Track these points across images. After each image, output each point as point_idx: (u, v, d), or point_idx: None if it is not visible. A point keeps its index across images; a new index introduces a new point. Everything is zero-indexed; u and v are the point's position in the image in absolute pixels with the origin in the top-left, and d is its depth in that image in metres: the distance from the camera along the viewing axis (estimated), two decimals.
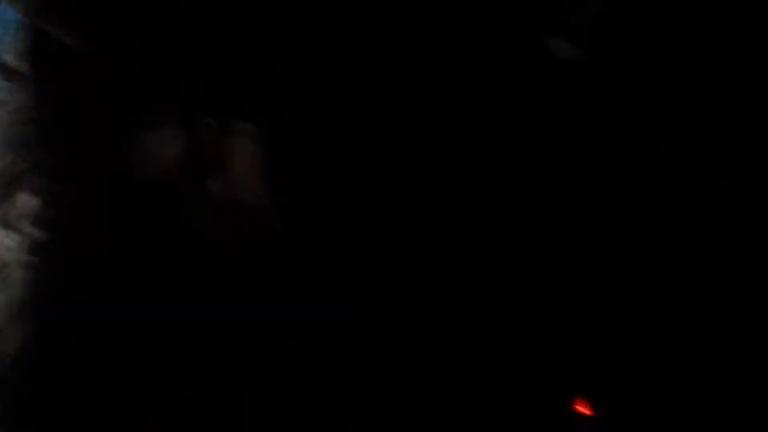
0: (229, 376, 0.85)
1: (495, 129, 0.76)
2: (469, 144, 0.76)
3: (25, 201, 1.46)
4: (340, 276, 0.78)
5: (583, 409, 0.86)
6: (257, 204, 0.75)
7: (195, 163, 0.79)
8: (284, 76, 0.73)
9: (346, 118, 0.72)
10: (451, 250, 0.78)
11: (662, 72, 0.78)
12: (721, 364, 0.82)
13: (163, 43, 0.77)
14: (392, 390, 0.83)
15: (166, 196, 0.89)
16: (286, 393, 0.81)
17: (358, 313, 0.79)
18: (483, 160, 0.77)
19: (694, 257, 0.81)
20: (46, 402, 0.92)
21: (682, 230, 0.81)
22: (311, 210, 0.74)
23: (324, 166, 0.72)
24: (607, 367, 0.86)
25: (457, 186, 0.76)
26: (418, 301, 0.79)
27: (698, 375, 0.83)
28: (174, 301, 0.92)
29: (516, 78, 0.76)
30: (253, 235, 0.83)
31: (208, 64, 0.76)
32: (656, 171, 0.79)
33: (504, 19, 0.76)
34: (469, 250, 0.79)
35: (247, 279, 0.87)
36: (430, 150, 0.74)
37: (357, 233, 0.75)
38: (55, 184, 0.97)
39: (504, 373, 0.84)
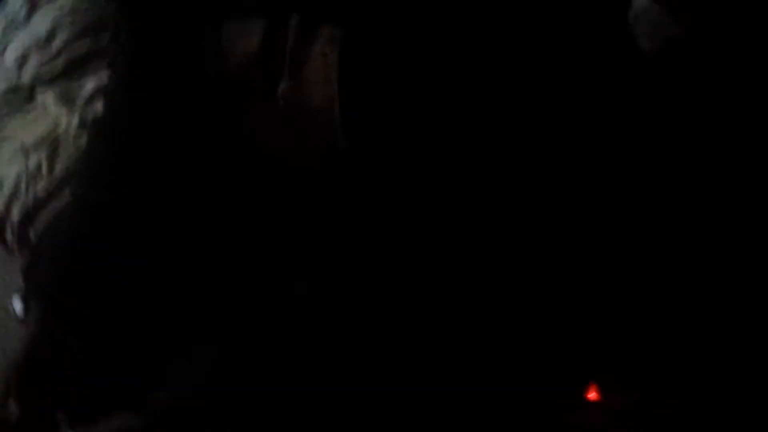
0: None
1: None
2: None
3: (88, 82, 1.50)
4: (404, 200, 0.77)
5: (594, 395, 0.87)
6: (327, 114, 0.75)
7: (271, 63, 0.79)
8: None
9: (428, 36, 0.70)
10: None
11: None
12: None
13: None
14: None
15: (236, 93, 0.90)
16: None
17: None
18: None
19: None
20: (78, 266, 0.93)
21: None
22: (379, 126, 0.74)
23: (400, 84, 0.71)
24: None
25: None
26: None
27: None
28: (225, 201, 0.94)
29: None
30: (319, 147, 0.83)
31: None
32: None
33: None
34: None
35: (306, 191, 0.87)
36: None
37: (427, 156, 0.74)
38: (119, 68, 0.98)
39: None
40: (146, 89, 0.96)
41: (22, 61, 1.64)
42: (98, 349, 0.95)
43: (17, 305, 1.57)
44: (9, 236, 1.42)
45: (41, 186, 1.35)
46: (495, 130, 0.72)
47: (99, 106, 1.48)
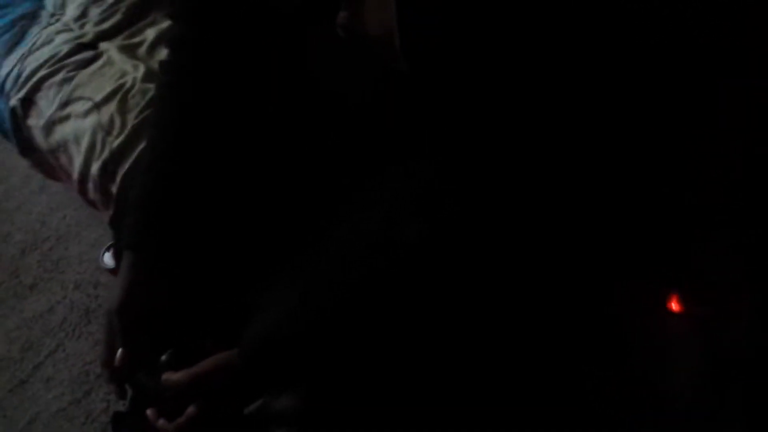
0: None
1: None
2: None
3: (149, 32, 1.52)
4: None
5: (676, 306, 0.85)
6: (386, 39, 0.72)
7: None
8: None
9: None
10: None
11: None
12: None
13: None
14: None
15: (298, 26, 0.89)
16: None
17: None
18: None
19: None
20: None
21: None
22: (440, 48, 0.71)
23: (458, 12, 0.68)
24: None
25: None
26: None
27: None
28: (292, 132, 0.95)
29: None
30: (373, 78, 0.81)
31: None
32: None
33: None
34: None
35: (367, 116, 0.86)
36: None
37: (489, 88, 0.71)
38: (180, 14, 0.98)
39: None
40: (211, 32, 0.95)
41: (81, 17, 1.66)
42: (188, 289, 0.98)
43: (107, 259, 1.63)
44: (91, 193, 1.45)
45: (116, 139, 1.36)
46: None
47: (161, 54, 1.49)
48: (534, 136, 0.72)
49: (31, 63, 1.59)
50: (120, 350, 0.91)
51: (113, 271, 1.59)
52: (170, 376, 0.85)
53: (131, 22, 1.59)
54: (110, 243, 1.64)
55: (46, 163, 1.67)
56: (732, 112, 0.76)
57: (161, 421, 0.84)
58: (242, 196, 0.99)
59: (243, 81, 0.97)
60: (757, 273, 0.84)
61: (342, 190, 0.91)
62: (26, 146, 1.67)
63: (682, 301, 0.85)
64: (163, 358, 0.89)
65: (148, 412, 0.86)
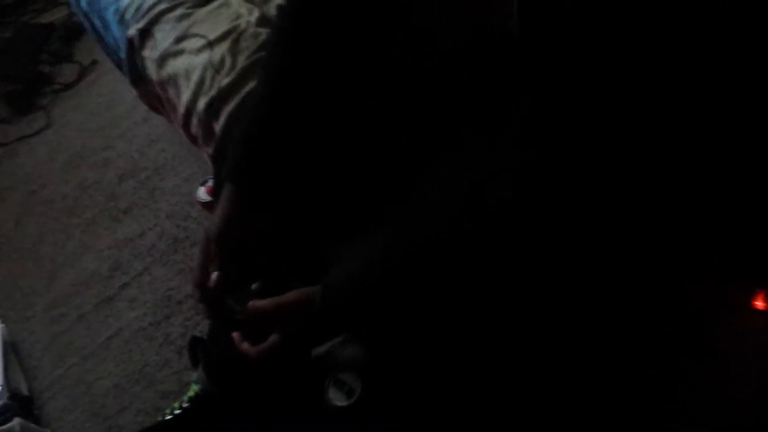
0: None
1: None
2: None
3: None
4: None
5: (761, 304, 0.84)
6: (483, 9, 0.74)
7: None
8: None
9: None
10: None
11: None
12: None
13: None
14: None
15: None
16: None
17: None
18: None
19: None
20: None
21: None
22: (554, 14, 0.71)
23: None
24: None
25: None
26: None
27: None
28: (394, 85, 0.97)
29: None
30: (493, 34, 0.82)
31: None
32: None
33: None
34: None
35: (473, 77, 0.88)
36: None
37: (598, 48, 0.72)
38: None
39: None
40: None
41: None
42: (281, 227, 1.02)
43: (201, 194, 1.70)
44: (194, 128, 1.51)
45: (225, 78, 1.41)
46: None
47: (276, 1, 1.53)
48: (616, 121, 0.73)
49: None
50: (215, 273, 0.95)
51: (207, 205, 1.66)
52: (256, 303, 0.89)
53: None
54: (206, 178, 1.70)
55: (153, 95, 1.74)
56: None
57: (245, 345, 0.89)
58: (334, 145, 1.02)
59: (347, 35, 0.99)
60: None
61: (429, 140, 0.93)
62: (137, 76, 1.74)
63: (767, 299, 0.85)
64: (253, 286, 0.94)
65: (234, 335, 0.91)
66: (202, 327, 1.74)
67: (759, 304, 0.85)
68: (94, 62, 2.76)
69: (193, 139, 1.58)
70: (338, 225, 1.00)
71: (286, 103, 0.99)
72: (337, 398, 0.92)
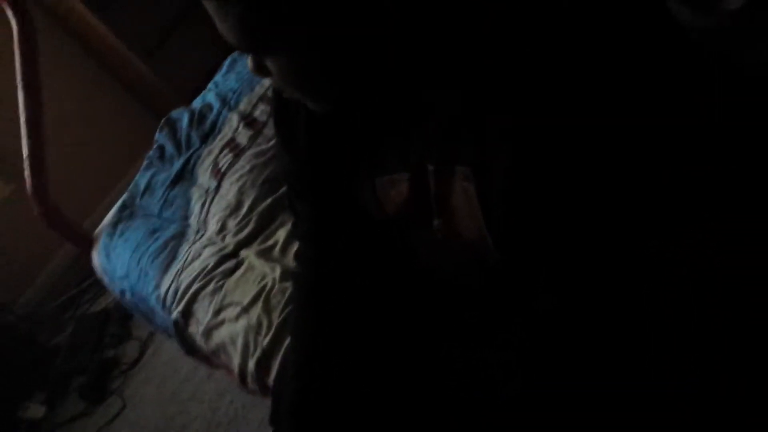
0: None
1: None
2: None
3: (279, 234, 1.71)
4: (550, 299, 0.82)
5: None
6: (479, 241, 0.82)
7: (422, 205, 0.88)
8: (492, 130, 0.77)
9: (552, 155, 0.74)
10: None
11: None
12: None
13: (393, 106, 0.87)
14: None
15: (397, 232, 1.02)
16: None
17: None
18: None
19: None
20: None
21: None
22: (525, 241, 0.79)
23: (534, 203, 0.76)
24: None
25: None
26: None
27: None
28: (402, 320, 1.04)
29: None
30: (473, 265, 0.90)
31: (427, 124, 0.84)
32: None
33: None
34: None
35: (468, 303, 0.95)
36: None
37: (569, 266, 0.79)
38: (301, 234, 1.13)
39: None
40: (327, 242, 1.08)
41: (222, 230, 1.89)
42: None
43: None
44: (251, 385, 1.60)
45: (265, 338, 1.52)
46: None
47: (293, 252, 1.66)
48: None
49: (186, 278, 1.81)
50: None
51: None
52: None
53: (263, 227, 1.79)
54: None
55: (208, 361, 1.86)
56: None
57: None
58: (374, 379, 1.08)
59: (362, 286, 1.08)
60: None
61: (435, 345, 1.00)
62: (190, 349, 1.87)
63: None
64: None
65: None
66: None
67: None
68: (152, 334, 2.93)
69: (254, 393, 1.66)
70: None
71: (320, 366, 1.06)
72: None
